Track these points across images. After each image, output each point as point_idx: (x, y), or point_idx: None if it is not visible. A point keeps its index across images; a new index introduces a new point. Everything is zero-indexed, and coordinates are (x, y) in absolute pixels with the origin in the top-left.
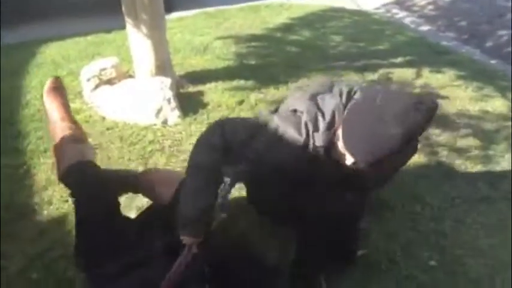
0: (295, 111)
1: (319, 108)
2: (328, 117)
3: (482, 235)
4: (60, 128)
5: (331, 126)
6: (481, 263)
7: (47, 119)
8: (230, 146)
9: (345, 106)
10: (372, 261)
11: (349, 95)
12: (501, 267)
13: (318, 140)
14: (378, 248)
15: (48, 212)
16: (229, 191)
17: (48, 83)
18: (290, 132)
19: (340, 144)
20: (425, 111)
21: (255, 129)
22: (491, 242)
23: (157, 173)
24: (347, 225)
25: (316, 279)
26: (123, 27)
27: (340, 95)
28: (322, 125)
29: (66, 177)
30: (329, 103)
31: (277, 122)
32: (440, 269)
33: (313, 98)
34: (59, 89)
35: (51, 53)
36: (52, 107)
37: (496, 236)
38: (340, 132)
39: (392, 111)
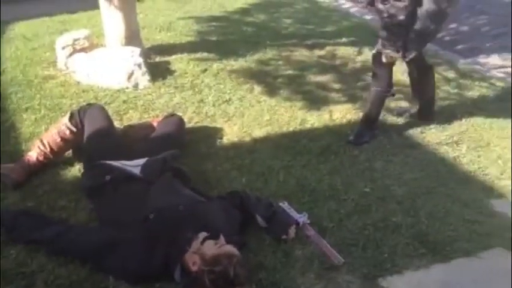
0: None
1: None
2: None
3: (407, 170)
4: None
5: None
6: (405, 190)
7: None
8: None
9: None
10: (318, 190)
11: None
12: (421, 193)
13: None
14: (322, 181)
15: None
16: None
17: None
18: None
19: None
20: None
21: None
22: (414, 175)
23: None
24: None
25: None
26: (86, 9)
27: None
28: None
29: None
30: None
31: None
32: (372, 194)
33: None
34: None
35: (21, 30)
36: None
37: (418, 171)
38: None
39: None
